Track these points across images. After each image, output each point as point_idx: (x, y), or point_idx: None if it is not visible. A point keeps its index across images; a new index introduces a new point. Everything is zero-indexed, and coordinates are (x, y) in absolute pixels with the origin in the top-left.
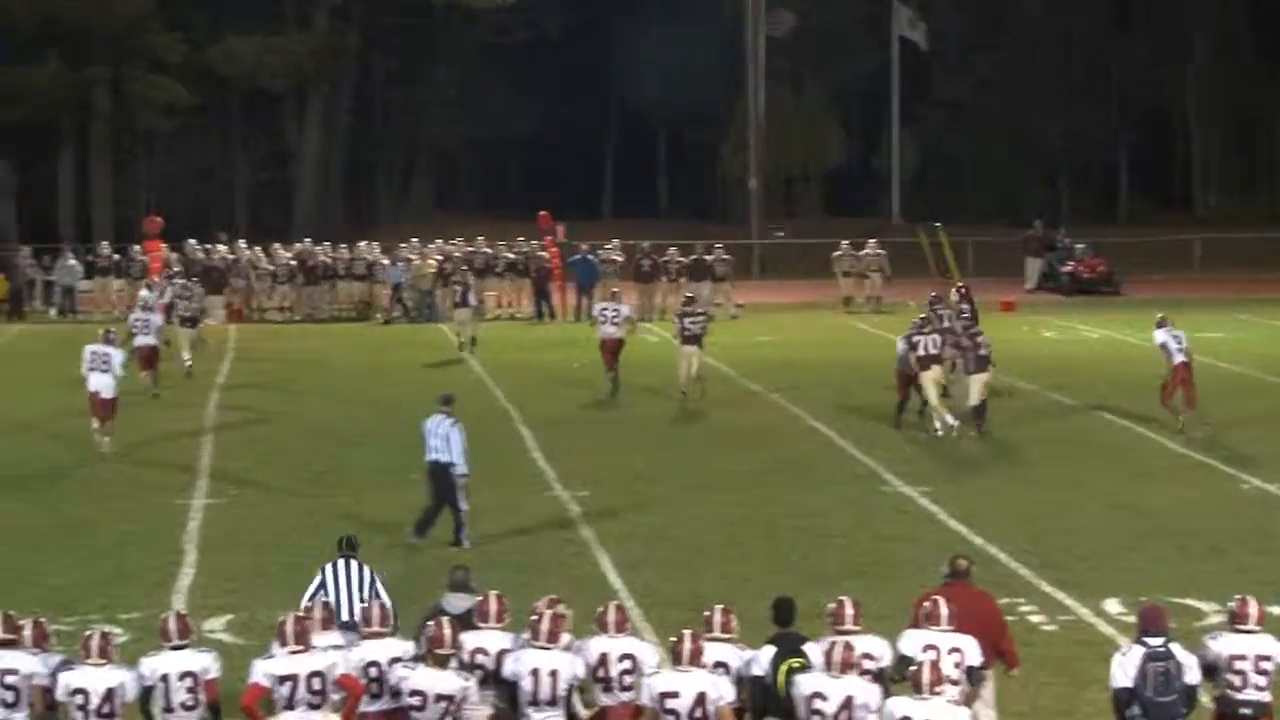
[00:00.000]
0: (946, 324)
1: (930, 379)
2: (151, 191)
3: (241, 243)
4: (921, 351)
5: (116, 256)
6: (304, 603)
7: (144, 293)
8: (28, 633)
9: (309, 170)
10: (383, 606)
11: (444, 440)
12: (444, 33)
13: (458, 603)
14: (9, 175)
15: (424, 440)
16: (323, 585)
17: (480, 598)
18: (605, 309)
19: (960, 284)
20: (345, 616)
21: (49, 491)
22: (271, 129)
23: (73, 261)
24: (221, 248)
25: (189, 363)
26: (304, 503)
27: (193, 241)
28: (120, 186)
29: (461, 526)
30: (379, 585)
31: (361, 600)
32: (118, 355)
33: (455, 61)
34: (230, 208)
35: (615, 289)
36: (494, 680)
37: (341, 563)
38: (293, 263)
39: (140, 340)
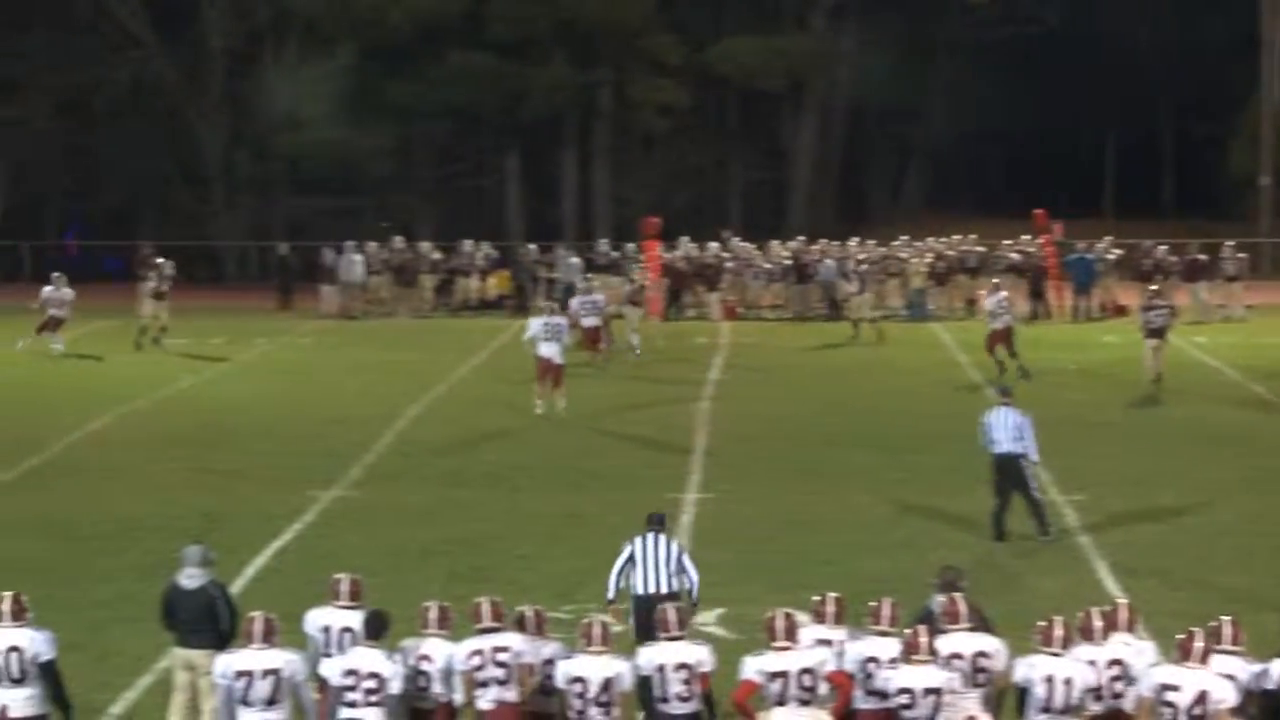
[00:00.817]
0: None
1: None
2: (648, 191)
3: (736, 239)
4: None
5: (615, 254)
6: (612, 578)
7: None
8: (529, 616)
9: (803, 169)
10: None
11: (1014, 431)
12: (939, 28)
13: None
14: (516, 174)
15: (985, 434)
16: (631, 559)
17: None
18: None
19: None
20: (650, 589)
21: (552, 483)
22: (767, 128)
23: (574, 259)
24: (713, 245)
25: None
26: (793, 500)
27: (688, 240)
28: (619, 186)
29: (1042, 516)
30: (686, 560)
31: (670, 573)
32: (565, 324)
33: (948, 57)
34: (724, 207)
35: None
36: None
37: (650, 536)
38: (787, 261)
39: (587, 321)
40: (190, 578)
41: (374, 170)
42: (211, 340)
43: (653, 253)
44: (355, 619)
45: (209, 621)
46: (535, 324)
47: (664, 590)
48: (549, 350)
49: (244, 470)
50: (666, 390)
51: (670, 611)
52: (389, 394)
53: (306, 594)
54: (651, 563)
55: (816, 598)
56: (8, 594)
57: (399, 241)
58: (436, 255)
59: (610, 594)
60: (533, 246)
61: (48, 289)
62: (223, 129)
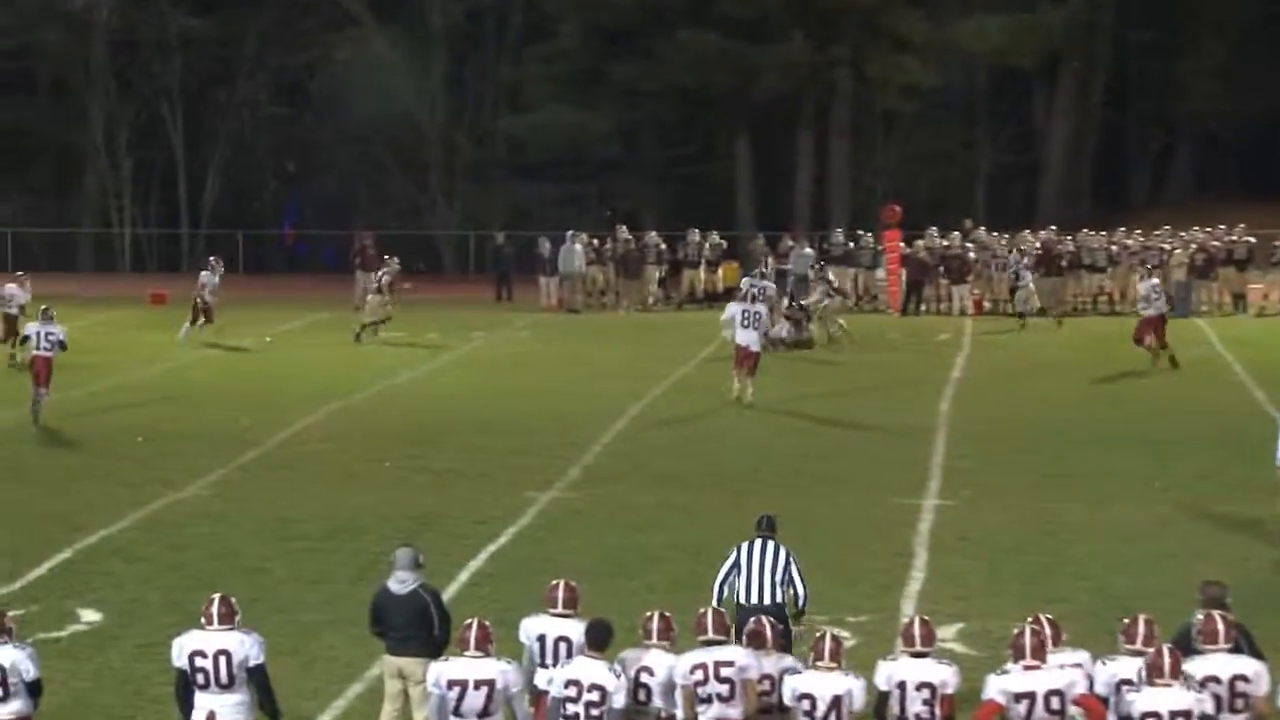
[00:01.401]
0: None
1: None
2: (888, 177)
3: (981, 230)
4: None
5: (850, 245)
6: (716, 585)
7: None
8: (768, 634)
9: (1056, 153)
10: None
11: None
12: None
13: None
14: (746, 159)
15: None
16: (736, 565)
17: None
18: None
19: None
20: (754, 600)
21: (779, 487)
22: (1017, 110)
23: (807, 250)
24: (956, 235)
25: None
26: (1042, 507)
27: (933, 230)
28: (856, 171)
29: None
30: (794, 569)
31: (774, 583)
32: (765, 312)
33: (1222, 30)
34: (969, 194)
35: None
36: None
37: (758, 543)
38: (1038, 251)
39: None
40: (401, 582)
41: (598, 155)
42: (427, 334)
43: (893, 243)
44: (572, 627)
45: (421, 628)
46: (733, 309)
47: (767, 602)
48: (746, 338)
49: (459, 469)
50: (904, 389)
51: (766, 627)
52: (609, 391)
53: (522, 601)
54: (756, 571)
55: (1126, 619)
56: (216, 596)
57: (623, 230)
58: (662, 245)
59: (715, 603)
60: (762, 236)
61: (205, 274)
62: (441, 112)
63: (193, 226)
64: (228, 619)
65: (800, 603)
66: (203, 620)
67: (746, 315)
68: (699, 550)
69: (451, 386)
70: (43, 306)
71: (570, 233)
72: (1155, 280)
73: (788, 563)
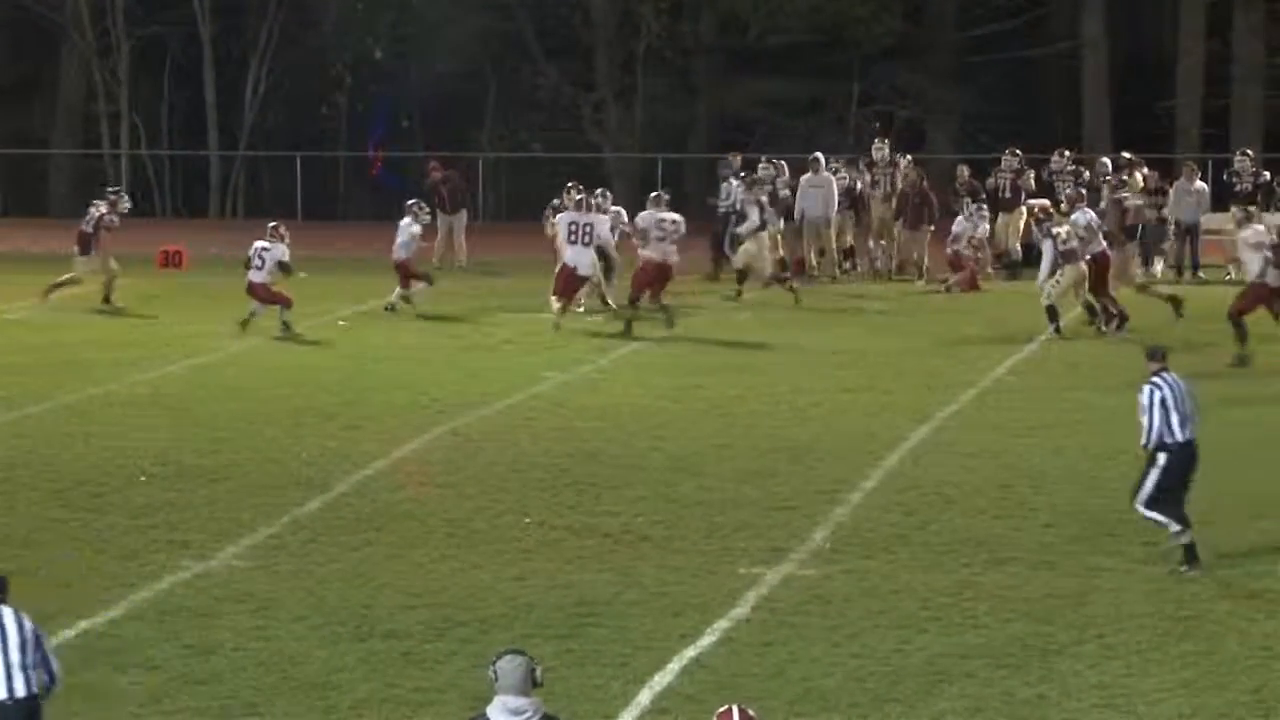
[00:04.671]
0: None
1: None
2: None
3: None
4: None
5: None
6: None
7: None
8: None
9: None
10: None
11: None
12: None
13: None
14: (1100, 43)
15: None
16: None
17: None
18: None
19: None
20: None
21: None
22: None
23: (1198, 184)
24: None
25: None
26: None
27: None
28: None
29: None
30: None
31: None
32: None
33: None
34: None
35: None
36: None
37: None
38: None
39: None
40: (515, 713)
41: (860, 37)
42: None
43: None
44: None
45: None
46: None
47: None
48: None
49: (638, 531)
50: None
51: None
52: (875, 406)
53: None
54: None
55: None
56: None
57: (882, 150)
58: (966, 173)
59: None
60: (1108, 161)
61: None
62: None
63: (226, 147)
64: None
65: None
66: None
67: None
68: (1020, 662)
69: (625, 399)
70: (272, 224)
71: (817, 157)
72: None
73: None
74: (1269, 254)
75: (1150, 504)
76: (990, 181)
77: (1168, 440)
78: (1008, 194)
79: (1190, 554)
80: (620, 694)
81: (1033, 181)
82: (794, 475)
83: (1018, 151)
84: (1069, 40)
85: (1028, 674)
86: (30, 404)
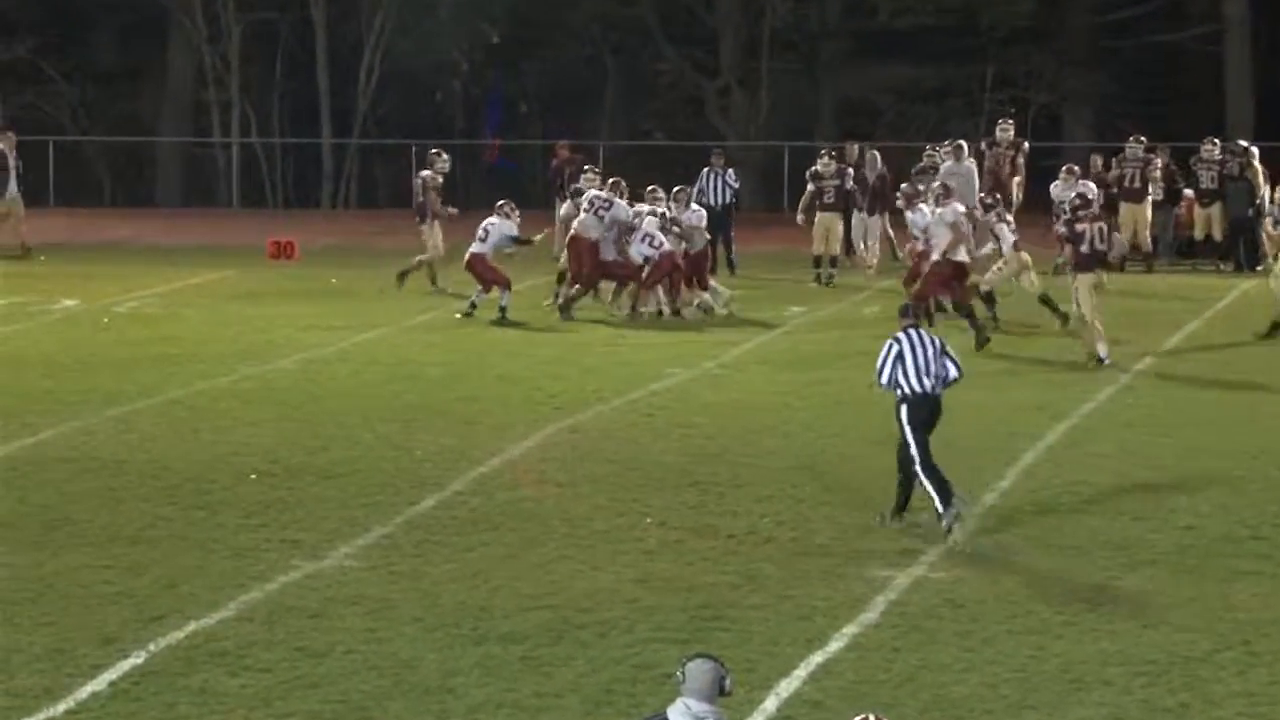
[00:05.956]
0: None
1: None
2: None
3: None
4: None
5: None
6: None
7: None
8: None
9: None
10: None
11: None
12: None
13: None
14: (1242, 24)
15: None
16: None
17: None
18: None
19: None
20: None
21: None
22: None
23: None
24: None
25: None
26: None
27: None
28: None
29: None
30: None
31: None
32: None
33: None
34: None
35: None
36: None
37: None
38: None
39: None
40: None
41: (995, 19)
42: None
43: None
44: None
45: None
46: None
47: None
48: None
49: (763, 531)
50: None
51: None
52: (1002, 407)
53: None
54: None
55: None
56: None
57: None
58: (1097, 163)
59: None
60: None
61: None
62: None
63: (338, 135)
64: None
65: None
66: None
67: None
68: (1160, 670)
69: (749, 395)
70: (500, 201)
71: (960, 144)
72: None
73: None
74: None
75: (926, 468)
76: (1115, 172)
77: (905, 390)
78: (1136, 184)
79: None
80: (745, 700)
81: (1159, 171)
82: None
83: (1143, 139)
84: (1210, 24)
85: (1169, 681)
86: (138, 399)
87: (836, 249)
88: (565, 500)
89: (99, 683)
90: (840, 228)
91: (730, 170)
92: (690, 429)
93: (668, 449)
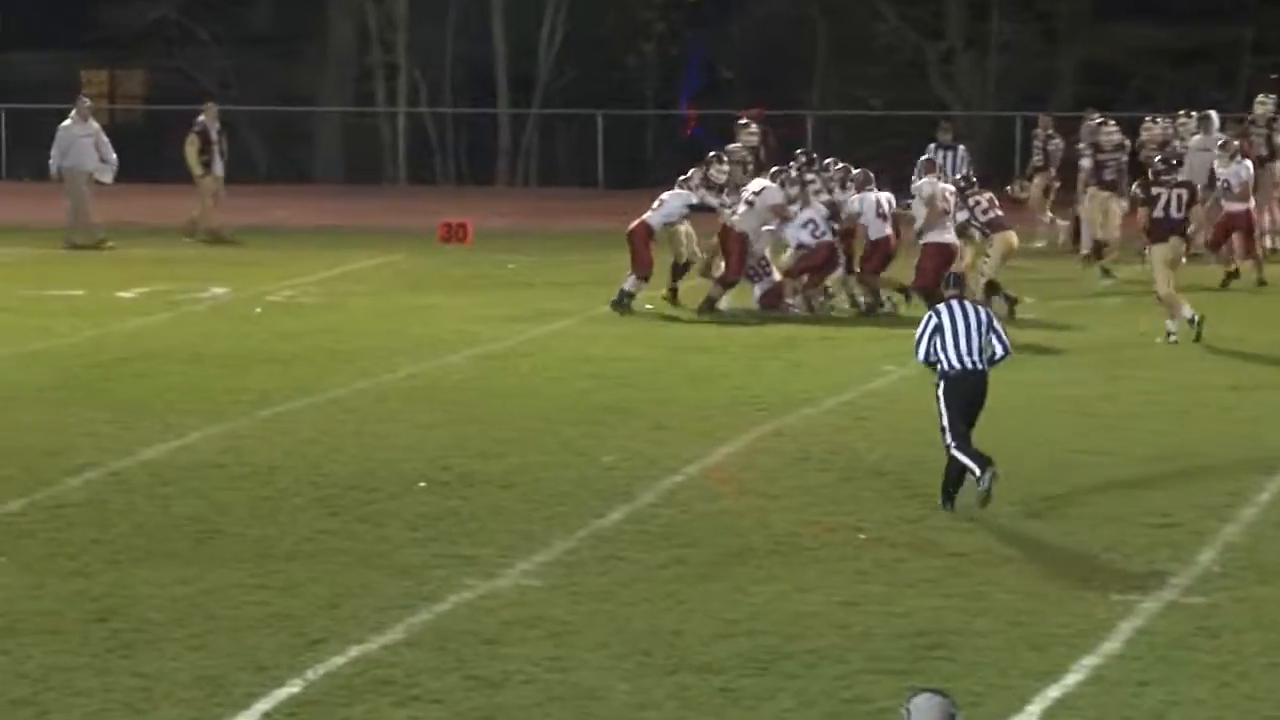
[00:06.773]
0: None
1: None
2: None
3: None
4: None
5: None
6: None
7: None
8: None
9: None
10: None
11: None
12: None
13: None
14: None
15: None
16: None
17: None
18: None
19: None
20: None
21: None
22: None
23: None
24: None
25: None
26: None
27: None
28: None
29: None
30: None
31: None
32: None
33: None
34: None
35: None
36: None
37: None
38: None
39: None
40: None
41: None
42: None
43: None
44: None
45: None
46: None
47: None
48: None
49: (986, 550)
50: None
51: None
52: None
53: None
54: None
55: None
56: None
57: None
58: None
59: None
60: None
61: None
62: None
63: (517, 105)
64: None
65: None
66: None
67: None
68: None
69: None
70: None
71: (1208, 115)
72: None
73: None
74: None
75: (958, 445)
76: None
77: (945, 365)
78: None
79: (986, 498)
80: None
81: None
82: (1175, 486)
83: None
84: None
85: None
86: (293, 398)
87: (1116, 234)
88: (769, 513)
89: (251, 714)
90: (1118, 209)
91: (960, 146)
92: (909, 433)
93: (885, 455)
